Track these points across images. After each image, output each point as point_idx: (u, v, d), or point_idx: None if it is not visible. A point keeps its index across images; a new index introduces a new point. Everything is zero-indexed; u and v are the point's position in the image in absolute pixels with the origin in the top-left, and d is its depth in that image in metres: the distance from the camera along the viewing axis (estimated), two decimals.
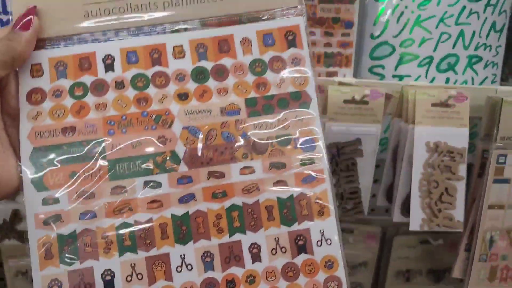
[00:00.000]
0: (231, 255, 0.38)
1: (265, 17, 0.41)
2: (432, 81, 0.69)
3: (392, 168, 0.60)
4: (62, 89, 0.38)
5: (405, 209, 0.56)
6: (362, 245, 0.78)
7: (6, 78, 0.37)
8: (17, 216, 0.58)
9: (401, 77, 0.69)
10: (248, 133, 0.39)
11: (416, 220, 0.53)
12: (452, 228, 0.55)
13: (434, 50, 0.68)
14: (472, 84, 0.70)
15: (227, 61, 0.40)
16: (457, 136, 0.56)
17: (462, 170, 0.56)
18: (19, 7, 0.39)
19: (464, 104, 0.56)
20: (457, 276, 0.61)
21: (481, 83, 0.70)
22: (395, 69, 0.70)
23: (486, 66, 0.70)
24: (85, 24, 0.39)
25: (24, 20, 0.37)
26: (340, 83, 0.59)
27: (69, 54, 0.39)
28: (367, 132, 0.59)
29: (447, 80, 0.69)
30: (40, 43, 0.39)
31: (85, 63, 0.39)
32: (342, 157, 0.60)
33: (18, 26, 0.37)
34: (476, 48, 0.68)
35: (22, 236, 0.57)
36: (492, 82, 0.71)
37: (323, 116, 0.58)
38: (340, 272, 0.39)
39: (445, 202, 0.52)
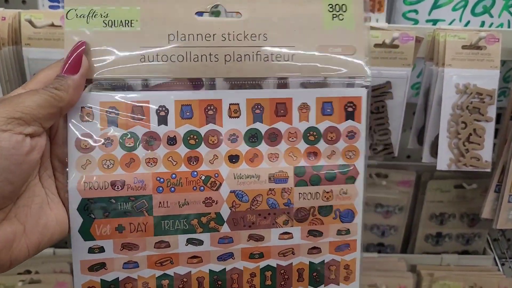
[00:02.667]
0: None
1: (328, 81, 0.39)
2: (466, 24, 0.68)
3: (424, 111, 0.62)
4: (112, 138, 0.37)
5: (435, 150, 0.58)
6: (397, 189, 0.82)
7: (55, 123, 0.36)
8: None
9: (435, 22, 0.68)
10: (293, 202, 0.40)
11: (444, 159, 0.54)
12: (480, 168, 0.57)
13: None
14: (509, 27, 0.69)
15: (282, 126, 0.39)
16: (487, 78, 0.56)
17: (491, 111, 0.56)
18: (70, 38, 0.36)
19: (495, 46, 0.56)
20: (486, 216, 0.64)
21: None
22: (429, 14, 0.68)
23: None
24: (140, 68, 0.37)
25: (72, 62, 0.35)
26: (372, 28, 0.59)
27: (122, 101, 0.37)
28: (397, 75, 0.59)
29: (482, 24, 0.68)
30: (87, 83, 0.37)
31: (138, 112, 0.37)
32: (372, 99, 0.61)
33: (65, 69, 0.34)
34: None
35: None
36: None
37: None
38: None
39: (473, 143, 0.54)
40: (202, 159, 0.39)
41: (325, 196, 0.40)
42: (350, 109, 0.40)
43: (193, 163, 0.38)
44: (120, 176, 0.37)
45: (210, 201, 0.39)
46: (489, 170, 0.59)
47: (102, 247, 0.38)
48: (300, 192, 0.40)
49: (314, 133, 0.40)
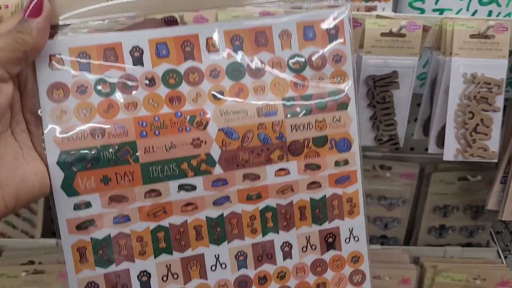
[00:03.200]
0: (264, 254, 0.39)
1: (307, 6, 0.37)
2: (474, 14, 0.67)
3: (430, 101, 0.61)
4: (86, 84, 0.35)
5: (441, 140, 0.57)
6: (400, 181, 0.80)
7: (23, 73, 0.33)
8: None
9: (441, 11, 0.67)
10: (285, 135, 0.38)
11: (450, 150, 0.53)
12: (487, 158, 0.56)
13: None
14: None
15: (264, 56, 0.37)
16: (495, 68, 0.56)
17: (499, 101, 0.56)
18: None
19: (504, 35, 0.55)
20: (491, 207, 0.63)
21: None
22: (436, 3, 0.67)
23: None
24: (110, 8, 0.35)
25: (33, 5, 0.32)
26: (379, 16, 0.58)
27: (92, 44, 0.35)
28: (404, 64, 0.58)
29: (490, 13, 0.67)
30: (54, 30, 0.34)
31: (110, 55, 0.35)
32: (378, 89, 0.60)
33: (27, 13, 0.32)
34: None
35: None
36: None
37: (360, 49, 0.57)
38: (365, 266, 0.41)
39: (480, 133, 0.53)
40: (184, 98, 0.36)
41: (318, 126, 0.39)
42: (333, 32, 0.38)
43: (175, 104, 0.36)
44: (99, 124, 0.35)
45: (198, 141, 0.37)
46: (496, 160, 0.58)
47: (89, 202, 0.35)
48: (291, 124, 0.38)
49: (299, 60, 0.38)
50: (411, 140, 0.66)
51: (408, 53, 0.57)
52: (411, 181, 0.81)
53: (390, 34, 0.58)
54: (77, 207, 0.35)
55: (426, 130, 0.63)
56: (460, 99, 0.53)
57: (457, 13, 0.67)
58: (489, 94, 0.55)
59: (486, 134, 0.55)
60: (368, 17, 0.59)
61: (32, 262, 0.57)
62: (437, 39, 0.57)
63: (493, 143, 0.56)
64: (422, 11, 0.68)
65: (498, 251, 0.76)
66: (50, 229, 0.65)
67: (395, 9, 0.70)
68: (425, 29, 0.57)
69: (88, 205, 0.35)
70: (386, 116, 0.62)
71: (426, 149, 0.81)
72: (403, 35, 0.57)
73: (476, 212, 0.79)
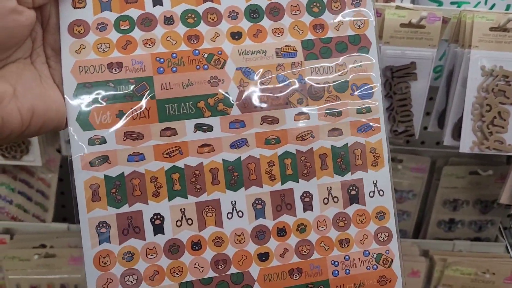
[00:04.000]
0: (283, 203, 0.37)
1: None
2: (492, 7, 0.67)
3: (446, 94, 0.61)
4: (106, 22, 0.35)
5: (457, 133, 0.57)
6: (411, 174, 0.80)
7: (47, 8, 0.34)
8: None
9: (459, 4, 0.67)
10: (305, 77, 0.37)
11: (467, 142, 0.53)
12: (503, 151, 0.55)
13: None
14: None
15: None
16: None
17: None
18: None
19: None
20: (504, 202, 0.62)
21: None
22: None
23: None
24: None
25: None
26: (398, 7, 0.58)
27: None
28: (422, 56, 0.58)
29: (508, 7, 0.67)
30: None
31: None
32: (396, 80, 0.60)
33: None
34: None
35: None
36: None
37: (379, 40, 0.57)
38: (391, 223, 0.39)
39: (497, 126, 0.52)
40: (202, 37, 0.36)
41: (338, 70, 0.38)
42: None
43: (193, 42, 0.36)
44: (117, 58, 0.35)
45: (216, 80, 0.36)
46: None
47: (103, 137, 0.35)
48: (311, 66, 0.37)
49: (318, 4, 0.38)
50: (423, 133, 0.65)
51: (427, 44, 0.57)
52: (422, 174, 0.80)
53: (410, 25, 0.58)
54: (91, 142, 0.34)
55: (441, 122, 0.62)
56: (478, 92, 0.53)
57: (475, 6, 0.67)
58: (507, 87, 0.54)
59: (503, 127, 0.54)
60: (388, 8, 0.59)
61: (43, 246, 0.56)
62: (455, 32, 0.58)
63: (510, 136, 0.55)
64: (440, 3, 0.68)
65: (506, 246, 0.75)
66: (61, 215, 0.64)
67: (413, 1, 0.70)
68: (445, 21, 0.57)
69: (102, 140, 0.35)
70: (402, 107, 0.61)
71: (437, 143, 0.80)
72: (423, 26, 0.57)
73: (486, 206, 0.78)
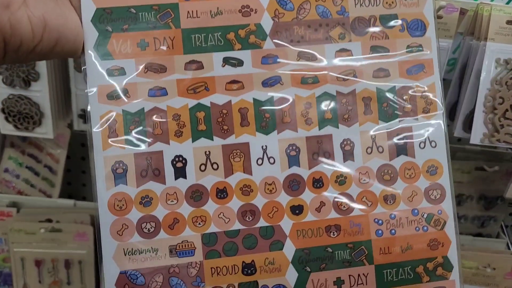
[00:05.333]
0: (320, 151, 0.33)
1: None
2: (508, 2, 0.65)
3: (458, 87, 0.59)
4: None
5: (467, 124, 0.56)
6: None
7: None
8: None
9: None
10: (348, 10, 0.33)
11: (478, 134, 0.52)
12: None
13: None
14: None
15: None
16: None
17: None
18: None
19: None
20: (510, 196, 0.61)
21: None
22: None
23: None
24: None
25: None
26: None
27: None
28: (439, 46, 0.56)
29: None
30: None
31: None
32: None
33: None
34: None
35: None
36: None
37: None
38: (445, 180, 0.34)
39: (509, 119, 0.52)
40: None
41: (386, 2, 0.33)
42: None
43: None
44: None
45: (248, 9, 0.32)
46: None
47: (123, 68, 0.31)
48: None
49: None
50: None
51: (443, 35, 0.55)
52: None
53: None
54: (109, 73, 0.31)
55: (452, 115, 0.60)
56: (491, 84, 0.52)
57: (492, 0, 0.64)
58: None
59: None
60: None
61: (50, 221, 0.54)
62: (472, 24, 0.56)
63: None
64: None
65: (507, 243, 0.73)
66: (68, 193, 0.63)
67: None
68: (462, 13, 0.55)
69: (122, 71, 0.31)
70: None
71: None
72: (440, 17, 0.55)
73: (490, 203, 0.76)
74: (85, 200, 0.63)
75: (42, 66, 0.48)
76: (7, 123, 0.49)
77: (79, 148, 0.62)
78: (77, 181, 0.64)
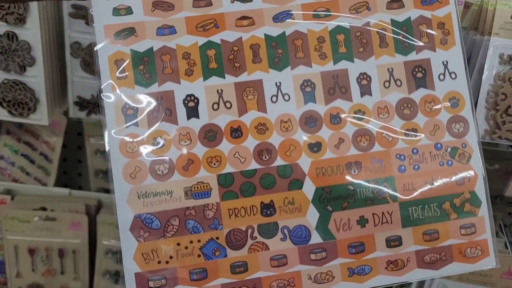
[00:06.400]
0: (336, 86, 0.32)
1: None
2: None
3: None
4: None
5: None
6: None
7: None
8: None
9: None
10: None
11: (479, 130, 0.51)
12: None
13: None
14: None
15: None
16: None
17: None
18: None
19: None
20: (510, 194, 0.61)
21: None
22: None
23: None
24: None
25: None
26: None
27: None
28: None
29: None
30: None
31: None
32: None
33: None
34: None
35: None
36: None
37: None
38: (467, 111, 0.32)
39: (511, 115, 0.51)
40: None
41: None
42: None
43: None
44: None
45: None
46: None
47: (129, 7, 0.30)
48: None
49: None
50: None
51: None
52: None
53: None
54: (116, 12, 0.30)
55: None
56: (494, 80, 0.51)
57: None
58: None
59: None
60: None
61: (44, 209, 0.53)
62: (476, 19, 0.55)
63: None
64: None
65: (505, 243, 0.71)
66: (63, 182, 0.62)
67: None
68: (466, 6, 0.54)
69: (128, 10, 0.30)
70: None
71: None
72: None
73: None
74: (80, 189, 0.62)
75: (37, 51, 0.47)
76: (1, 108, 0.48)
77: (75, 137, 0.61)
78: (73, 170, 0.63)
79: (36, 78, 0.48)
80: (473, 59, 0.53)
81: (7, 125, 0.58)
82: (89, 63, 0.49)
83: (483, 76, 0.51)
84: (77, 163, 0.64)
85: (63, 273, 0.53)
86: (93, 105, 0.51)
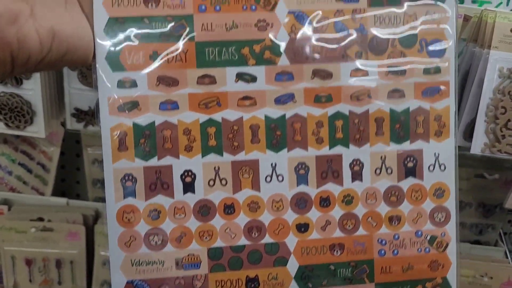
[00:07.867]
0: (329, 170, 0.33)
1: None
2: None
3: (459, 94, 0.58)
4: None
5: (468, 133, 0.55)
6: None
7: None
8: None
9: (480, 3, 0.63)
10: (367, 27, 0.32)
11: (478, 144, 0.52)
12: None
13: None
14: None
15: None
16: None
17: None
18: None
19: None
20: (509, 206, 0.61)
21: None
22: None
23: None
24: None
25: None
26: None
27: None
28: None
29: None
30: None
31: None
32: None
33: None
34: None
35: None
36: None
37: None
38: (451, 203, 0.34)
39: (511, 129, 0.51)
40: None
41: (407, 21, 0.32)
42: None
43: None
44: None
45: (264, 24, 0.31)
46: None
47: (134, 80, 0.31)
48: (375, 14, 0.32)
49: None
50: None
51: None
52: None
53: None
54: (121, 84, 0.31)
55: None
56: (494, 93, 0.51)
57: (497, 6, 0.62)
58: None
59: None
60: None
61: (41, 219, 0.54)
62: (475, 31, 0.55)
63: None
64: (461, 1, 0.63)
65: (505, 252, 0.73)
66: (61, 189, 0.63)
67: None
68: (466, 19, 0.53)
69: (133, 83, 0.31)
70: None
71: None
72: None
73: (488, 210, 0.76)
74: (78, 197, 0.62)
75: None
76: None
77: (74, 145, 0.61)
78: (71, 177, 0.64)
79: (32, 91, 0.48)
80: (472, 72, 0.54)
81: (4, 134, 0.58)
82: (86, 75, 0.49)
83: (483, 90, 0.51)
84: (75, 170, 0.65)
85: (61, 283, 0.55)
86: (90, 116, 0.52)
